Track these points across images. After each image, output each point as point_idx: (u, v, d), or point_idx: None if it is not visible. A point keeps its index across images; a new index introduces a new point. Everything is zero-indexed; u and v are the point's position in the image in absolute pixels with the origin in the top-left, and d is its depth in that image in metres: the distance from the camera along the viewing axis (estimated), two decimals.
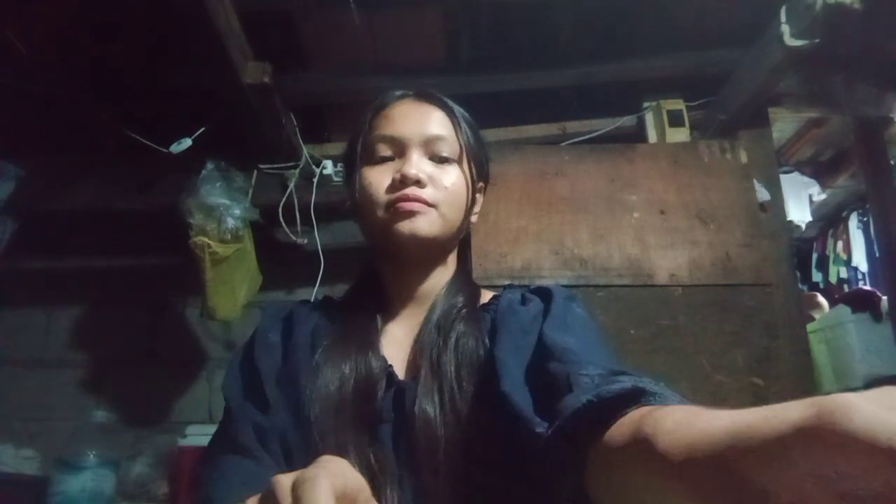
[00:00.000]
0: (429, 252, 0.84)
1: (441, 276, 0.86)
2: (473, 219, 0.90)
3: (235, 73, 1.67)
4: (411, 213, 0.78)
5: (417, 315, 0.83)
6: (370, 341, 0.78)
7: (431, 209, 0.79)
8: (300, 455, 0.69)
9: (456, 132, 0.84)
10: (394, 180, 0.80)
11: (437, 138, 0.83)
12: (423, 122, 0.84)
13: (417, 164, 0.80)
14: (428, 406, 0.70)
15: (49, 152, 2.12)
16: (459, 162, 0.84)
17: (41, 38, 1.75)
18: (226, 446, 0.71)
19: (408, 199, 0.78)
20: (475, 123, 0.91)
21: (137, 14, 1.67)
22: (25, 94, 1.84)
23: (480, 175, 0.90)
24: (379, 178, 0.81)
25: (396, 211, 0.78)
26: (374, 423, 0.72)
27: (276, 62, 1.76)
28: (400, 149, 0.82)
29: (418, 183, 0.79)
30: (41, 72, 1.82)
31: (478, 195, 0.91)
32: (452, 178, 0.82)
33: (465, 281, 0.87)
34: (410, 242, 0.79)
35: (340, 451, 0.68)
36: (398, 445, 0.71)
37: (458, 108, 0.89)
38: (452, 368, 0.73)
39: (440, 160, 0.83)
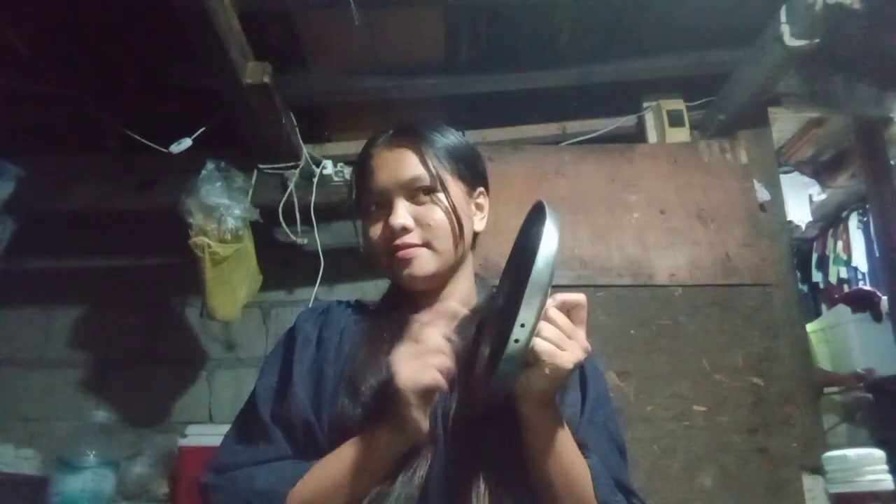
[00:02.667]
0: (436, 281, 0.91)
1: (460, 282, 0.94)
2: (480, 225, 0.96)
3: (235, 73, 1.67)
4: (407, 260, 0.87)
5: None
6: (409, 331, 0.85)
7: (423, 249, 0.88)
8: (322, 438, 0.79)
9: (428, 165, 0.90)
10: (384, 231, 0.89)
11: (413, 179, 0.89)
12: (398, 167, 0.90)
13: (401, 213, 0.88)
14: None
15: (49, 152, 2.12)
16: (440, 190, 0.90)
17: (41, 38, 1.75)
18: (249, 442, 0.82)
19: (399, 248, 0.87)
20: (456, 139, 0.96)
21: (137, 14, 1.68)
22: (25, 94, 1.85)
23: (474, 184, 0.96)
24: (375, 230, 0.91)
25: (396, 259, 0.88)
26: None
27: (276, 62, 1.76)
28: (385, 198, 0.90)
29: (405, 229, 0.87)
30: (41, 72, 1.82)
31: (479, 200, 0.97)
32: (435, 214, 0.89)
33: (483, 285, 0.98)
34: (414, 283, 0.89)
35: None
36: (445, 415, 0.79)
37: (431, 136, 0.93)
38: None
39: (423, 194, 0.89)
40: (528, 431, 0.75)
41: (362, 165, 0.94)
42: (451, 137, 0.95)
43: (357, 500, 0.74)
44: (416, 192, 0.89)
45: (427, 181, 0.89)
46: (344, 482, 0.74)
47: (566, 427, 0.77)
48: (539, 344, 0.68)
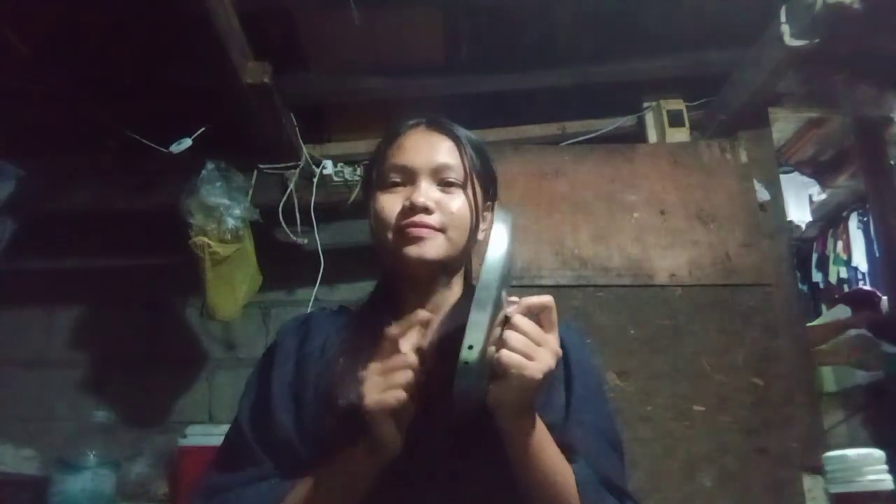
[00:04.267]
0: (436, 272, 0.89)
1: (453, 288, 0.93)
2: (481, 236, 0.94)
3: (235, 73, 1.67)
4: (419, 239, 0.84)
5: (432, 322, 0.87)
6: None
7: (438, 234, 0.86)
8: (305, 454, 0.78)
9: (462, 159, 0.90)
10: (404, 207, 0.86)
11: (445, 166, 0.89)
12: (432, 151, 0.90)
13: (426, 192, 0.86)
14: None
15: (49, 152, 2.12)
16: (465, 187, 0.90)
17: (41, 38, 1.75)
18: (235, 465, 0.82)
19: (416, 225, 0.84)
20: (483, 146, 0.96)
21: (137, 14, 1.67)
22: (25, 94, 1.84)
23: (488, 195, 0.96)
24: (391, 204, 0.88)
25: (406, 236, 0.85)
26: None
27: (276, 62, 1.76)
28: (410, 177, 0.88)
29: (426, 210, 0.85)
30: (41, 72, 1.82)
31: (486, 213, 0.96)
32: (458, 204, 0.88)
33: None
34: (418, 265, 0.86)
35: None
36: (425, 428, 0.76)
37: (465, 134, 0.94)
38: None
39: (447, 185, 0.88)
40: (506, 442, 0.73)
41: (390, 142, 0.93)
42: (479, 142, 0.96)
43: None
44: (444, 180, 0.88)
45: (459, 174, 0.89)
46: (324, 502, 0.74)
47: (547, 433, 0.76)
48: (506, 356, 0.66)
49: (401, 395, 0.68)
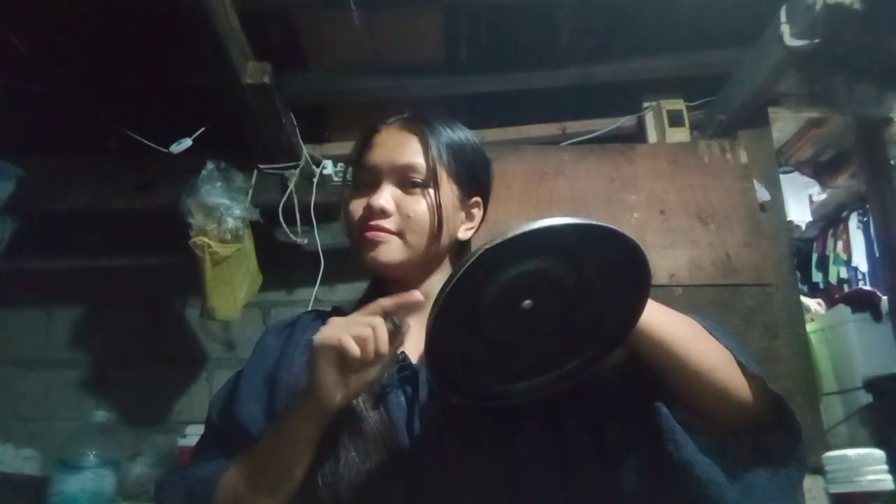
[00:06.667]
0: (400, 274, 0.86)
1: (436, 284, 0.87)
2: (466, 234, 0.91)
3: (235, 73, 1.67)
4: (375, 243, 0.83)
5: (421, 318, 0.84)
6: None
7: (394, 237, 0.83)
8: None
9: (428, 158, 0.85)
10: (364, 209, 0.85)
11: (408, 167, 0.85)
12: (397, 151, 0.86)
13: (385, 194, 0.84)
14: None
15: (49, 152, 2.12)
16: (432, 186, 0.85)
17: (41, 38, 1.75)
18: (202, 452, 0.85)
19: (371, 229, 0.83)
20: (464, 141, 0.91)
21: (138, 14, 1.67)
22: (25, 94, 1.84)
23: (470, 191, 0.91)
24: (356, 207, 0.87)
25: (364, 239, 0.84)
26: (379, 398, 0.79)
27: (276, 62, 1.76)
28: (376, 177, 0.86)
29: (383, 213, 0.83)
30: (41, 72, 1.82)
31: (473, 210, 0.92)
32: (418, 207, 0.84)
33: None
34: (376, 269, 0.86)
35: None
36: (409, 421, 0.77)
37: (442, 130, 0.89)
38: None
39: (413, 186, 0.85)
40: (649, 338, 0.78)
41: (364, 139, 0.91)
42: (461, 136, 0.91)
43: (286, 474, 0.73)
44: (407, 180, 0.85)
45: (421, 174, 0.85)
46: (270, 455, 0.74)
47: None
48: None
49: (348, 340, 0.67)
